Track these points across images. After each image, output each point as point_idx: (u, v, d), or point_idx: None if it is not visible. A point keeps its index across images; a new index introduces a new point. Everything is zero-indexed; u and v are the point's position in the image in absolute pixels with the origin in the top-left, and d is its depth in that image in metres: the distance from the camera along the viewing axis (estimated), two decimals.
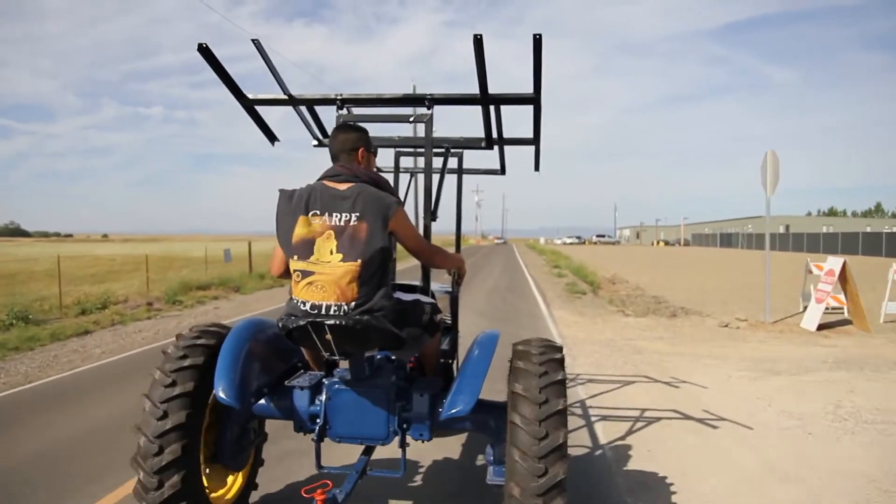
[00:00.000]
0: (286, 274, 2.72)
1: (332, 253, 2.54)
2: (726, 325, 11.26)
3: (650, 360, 8.12)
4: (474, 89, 3.24)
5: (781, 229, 72.14)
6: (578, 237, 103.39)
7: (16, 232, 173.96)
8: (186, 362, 2.87)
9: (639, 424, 5.38)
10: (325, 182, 2.70)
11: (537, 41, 2.85)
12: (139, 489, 2.76)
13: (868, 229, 58.02)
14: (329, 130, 4.05)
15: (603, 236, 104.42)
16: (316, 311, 2.54)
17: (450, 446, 4.70)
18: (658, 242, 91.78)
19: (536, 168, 4.39)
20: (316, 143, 4.21)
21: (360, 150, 2.87)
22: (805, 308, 12.81)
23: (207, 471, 3.17)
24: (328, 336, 2.56)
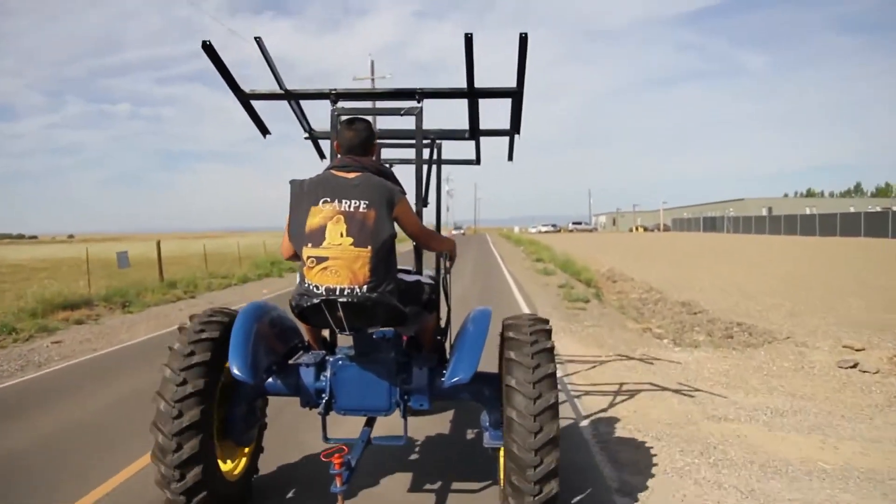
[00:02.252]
0: (295, 257, 2.94)
1: (342, 235, 2.74)
2: (854, 366, 6.72)
3: None
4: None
5: (764, 212, 69.21)
6: (554, 225, 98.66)
7: None
8: (204, 335, 3.06)
9: None
10: (334, 172, 2.93)
11: (523, 39, 3.09)
12: (157, 452, 2.92)
13: (851, 209, 54.93)
14: (313, 124, 4.32)
15: (580, 223, 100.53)
16: (329, 294, 2.74)
17: (442, 423, 4.82)
18: (637, 228, 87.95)
19: (510, 158, 4.72)
20: (306, 135, 4.32)
21: (375, 145, 3.16)
22: None
23: (217, 445, 3.17)
24: (339, 313, 2.79)
